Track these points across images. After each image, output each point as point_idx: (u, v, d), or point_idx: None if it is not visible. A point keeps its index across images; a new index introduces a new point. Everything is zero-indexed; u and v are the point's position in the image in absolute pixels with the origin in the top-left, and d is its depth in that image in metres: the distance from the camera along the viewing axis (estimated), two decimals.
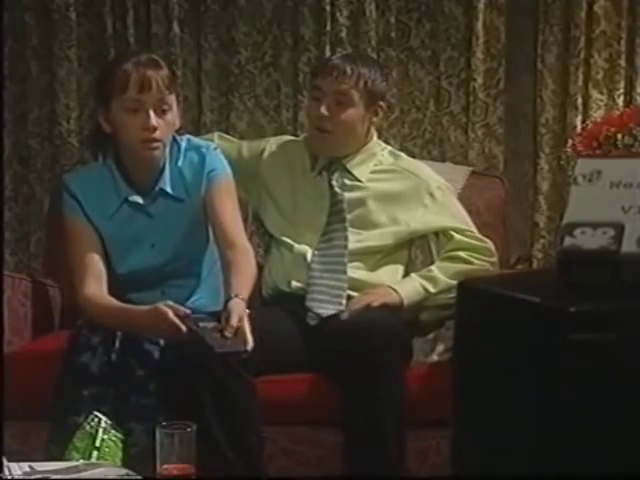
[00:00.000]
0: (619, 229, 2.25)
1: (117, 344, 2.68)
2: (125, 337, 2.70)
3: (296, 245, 3.03)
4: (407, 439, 2.76)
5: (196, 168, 2.84)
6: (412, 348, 2.88)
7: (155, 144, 2.75)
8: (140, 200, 2.82)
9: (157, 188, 2.82)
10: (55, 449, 2.61)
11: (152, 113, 2.72)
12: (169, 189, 2.82)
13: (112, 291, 2.78)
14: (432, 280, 2.96)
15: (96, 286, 2.76)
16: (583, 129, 3.19)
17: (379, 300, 2.89)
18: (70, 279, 2.86)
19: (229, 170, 2.89)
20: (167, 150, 2.82)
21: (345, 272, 2.98)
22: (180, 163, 2.84)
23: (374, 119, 3.08)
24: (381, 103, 3.06)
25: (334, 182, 3.07)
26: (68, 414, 2.64)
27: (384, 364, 2.70)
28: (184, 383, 2.67)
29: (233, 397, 2.69)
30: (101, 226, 2.83)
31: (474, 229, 3.08)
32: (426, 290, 2.96)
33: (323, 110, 3.00)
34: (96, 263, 2.79)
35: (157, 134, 2.74)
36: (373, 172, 3.09)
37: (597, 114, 3.45)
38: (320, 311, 2.92)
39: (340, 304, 2.93)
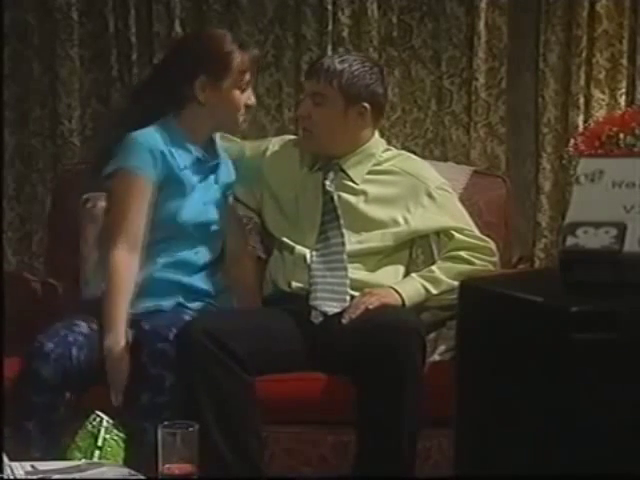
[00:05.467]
0: (621, 229, 2.25)
1: (74, 352, 2.70)
2: (136, 335, 2.74)
3: (297, 246, 3.03)
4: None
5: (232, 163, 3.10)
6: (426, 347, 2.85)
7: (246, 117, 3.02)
8: (208, 160, 2.97)
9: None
10: (13, 452, 2.61)
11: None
12: (220, 158, 3.02)
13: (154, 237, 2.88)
14: (433, 281, 2.96)
15: (130, 251, 2.80)
16: (585, 128, 3.19)
17: (380, 300, 2.89)
18: (101, 241, 3.02)
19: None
20: None
21: (346, 270, 2.97)
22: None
23: (362, 120, 3.03)
24: (365, 104, 3.02)
25: (327, 182, 3.06)
26: (19, 419, 2.66)
27: (407, 362, 2.69)
28: (182, 383, 2.68)
29: (231, 397, 2.69)
30: (174, 175, 2.89)
31: (475, 229, 3.07)
32: (427, 291, 2.95)
33: (302, 110, 3.08)
34: (140, 228, 2.83)
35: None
36: (370, 173, 3.08)
37: (599, 113, 3.45)
38: (325, 309, 2.91)
39: (344, 301, 2.93)
